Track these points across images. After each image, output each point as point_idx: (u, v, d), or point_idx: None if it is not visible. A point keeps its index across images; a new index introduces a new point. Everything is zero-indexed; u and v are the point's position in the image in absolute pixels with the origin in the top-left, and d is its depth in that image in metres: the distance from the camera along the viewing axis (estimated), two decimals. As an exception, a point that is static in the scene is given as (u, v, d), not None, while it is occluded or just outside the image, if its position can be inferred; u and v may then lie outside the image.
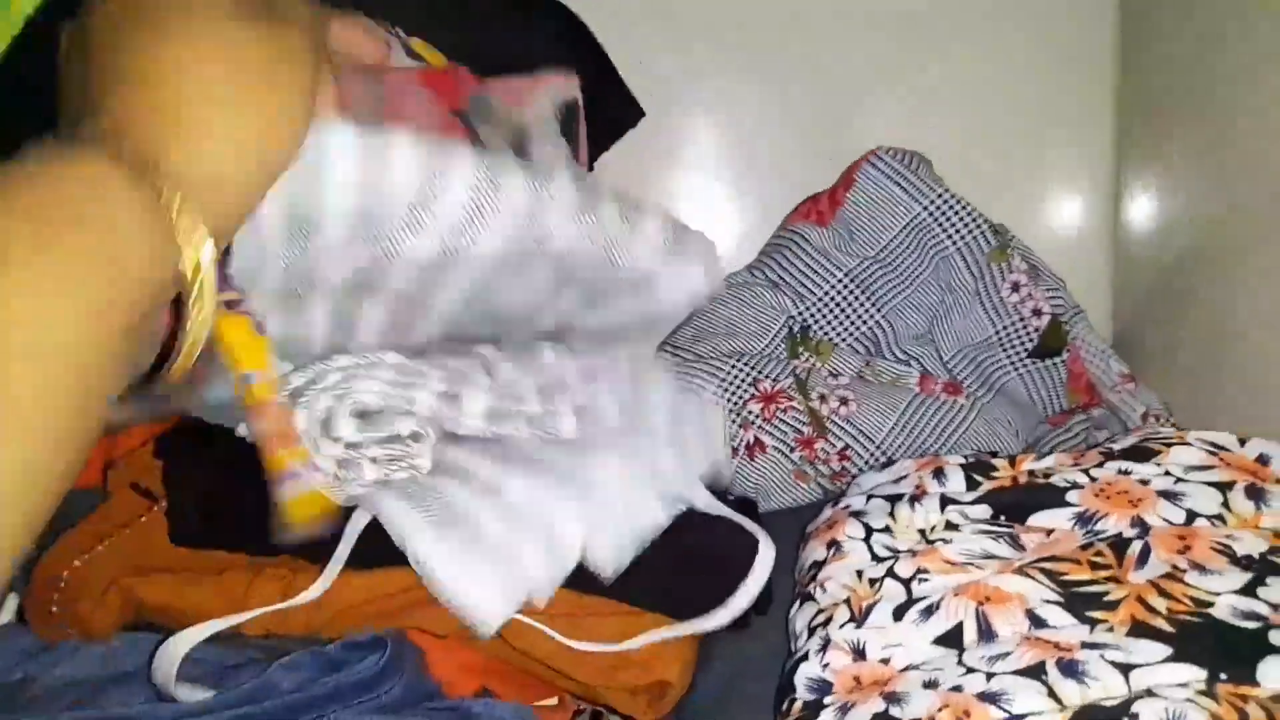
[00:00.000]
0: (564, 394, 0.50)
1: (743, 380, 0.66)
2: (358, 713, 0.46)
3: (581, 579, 0.47)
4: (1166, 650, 0.38)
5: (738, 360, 0.67)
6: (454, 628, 0.48)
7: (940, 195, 0.68)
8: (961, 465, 0.53)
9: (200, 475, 0.47)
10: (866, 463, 0.65)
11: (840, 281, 0.69)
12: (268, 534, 0.47)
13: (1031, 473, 0.52)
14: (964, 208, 0.68)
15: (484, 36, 0.52)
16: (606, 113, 0.60)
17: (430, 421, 0.46)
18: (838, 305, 0.69)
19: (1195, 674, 0.37)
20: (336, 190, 0.35)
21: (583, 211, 0.40)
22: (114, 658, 0.49)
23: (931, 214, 0.68)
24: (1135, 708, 0.36)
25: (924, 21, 0.77)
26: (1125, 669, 0.38)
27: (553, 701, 0.55)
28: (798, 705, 0.44)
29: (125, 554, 0.47)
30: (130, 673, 0.48)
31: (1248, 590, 0.40)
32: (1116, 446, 0.52)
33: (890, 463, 0.57)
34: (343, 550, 0.46)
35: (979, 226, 0.68)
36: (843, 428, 0.65)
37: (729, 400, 0.66)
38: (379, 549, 0.46)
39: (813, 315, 0.69)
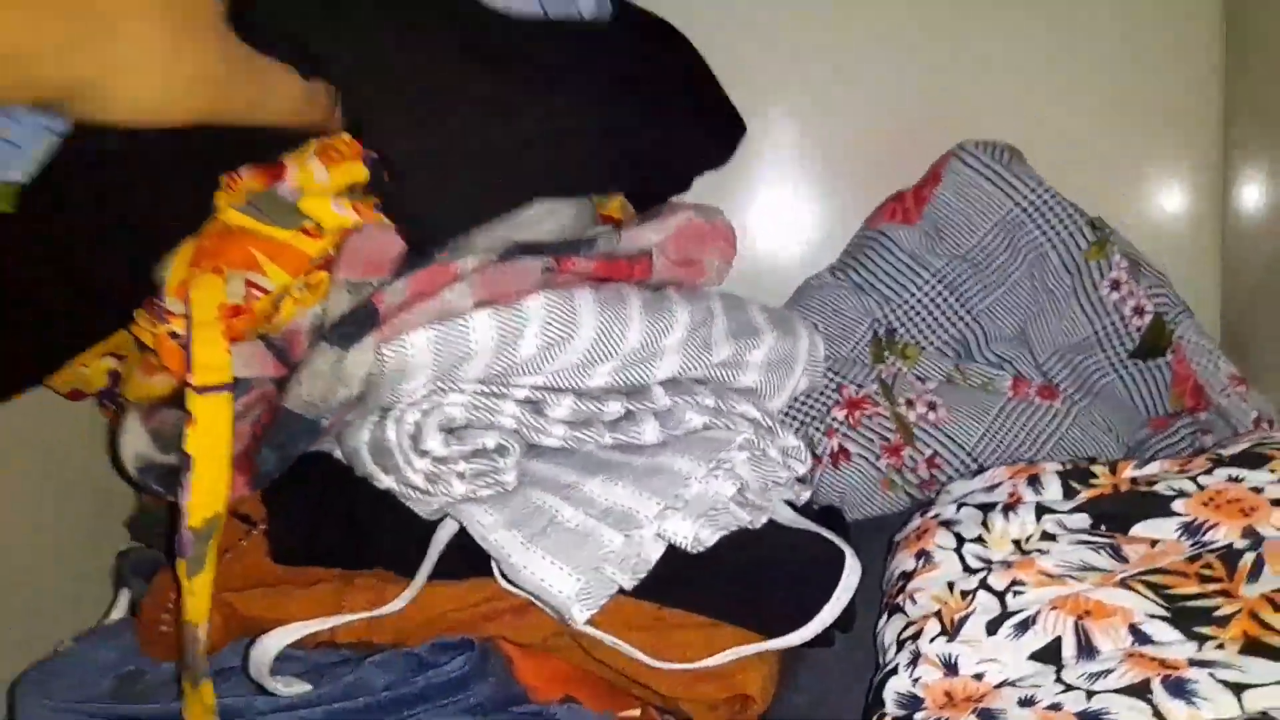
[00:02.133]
0: (646, 398, 0.50)
1: (826, 386, 0.65)
2: (446, 713, 0.47)
3: (664, 590, 0.47)
4: (1285, 670, 0.36)
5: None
6: (539, 637, 0.49)
7: (1034, 190, 0.65)
8: (1059, 472, 0.51)
9: (298, 496, 0.48)
10: (956, 470, 0.62)
11: (928, 283, 0.67)
12: (360, 549, 0.49)
13: (1134, 480, 0.49)
14: (1059, 202, 0.65)
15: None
16: (714, 131, 0.60)
17: (515, 435, 0.46)
18: (925, 308, 0.67)
19: (1318, 697, 0.35)
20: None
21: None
22: (216, 655, 0.51)
23: (1025, 210, 0.65)
24: (1252, 731, 0.34)
25: (1021, 8, 0.74)
26: (1238, 689, 0.36)
27: (635, 713, 0.55)
28: (886, 720, 0.43)
29: (228, 576, 0.49)
30: (232, 668, 0.50)
31: (1377, 608, 0.38)
32: (1226, 452, 0.49)
33: (981, 470, 0.55)
34: (429, 560, 0.47)
35: (1075, 222, 0.65)
36: (930, 434, 0.63)
37: (812, 407, 0.65)
38: (465, 560, 0.47)
39: (899, 318, 0.67)
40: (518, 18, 0.46)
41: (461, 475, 0.46)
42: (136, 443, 0.45)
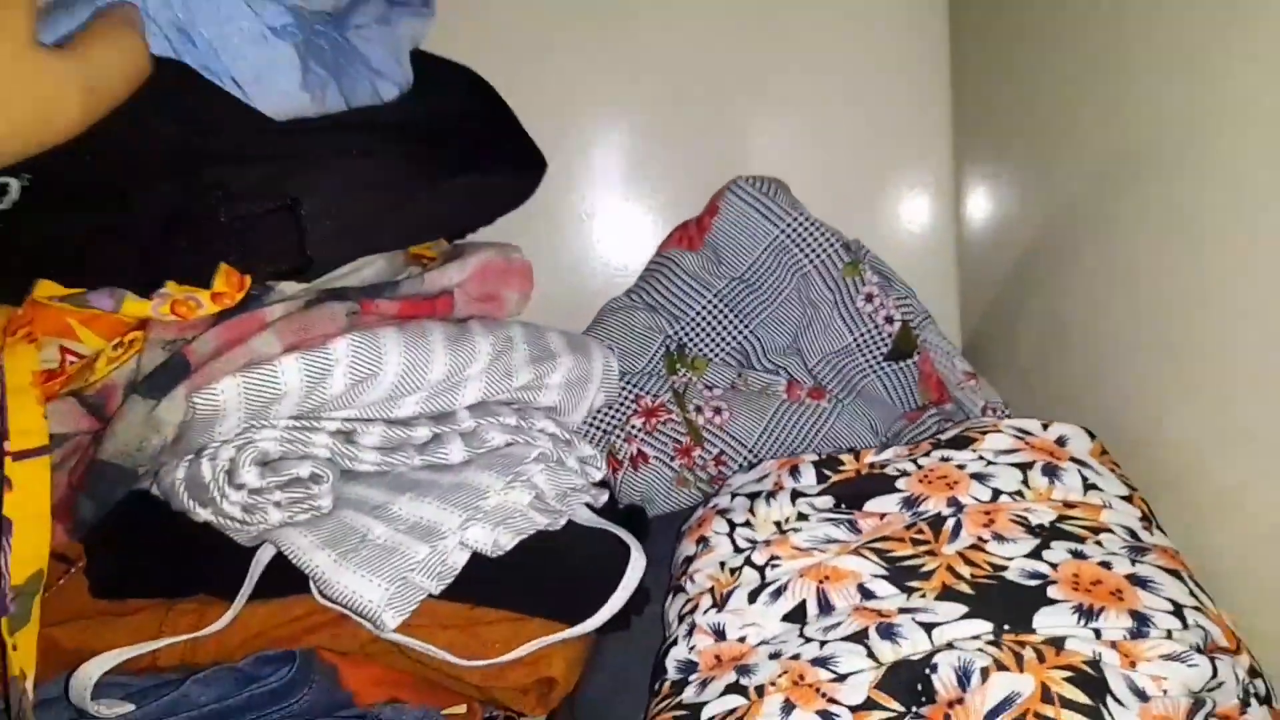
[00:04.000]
0: (452, 422, 0.56)
1: (626, 397, 0.72)
2: (272, 721, 0.50)
3: (473, 591, 0.52)
4: (963, 609, 0.45)
5: (620, 379, 0.73)
6: (357, 645, 0.53)
7: (795, 219, 0.75)
8: (814, 462, 0.60)
9: (113, 529, 0.50)
10: (740, 466, 0.71)
11: (710, 301, 0.75)
12: (179, 578, 0.52)
13: (872, 465, 0.58)
14: (817, 228, 0.75)
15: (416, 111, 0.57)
16: (519, 173, 0.66)
17: (329, 463, 0.51)
18: (709, 323, 0.75)
19: (984, 627, 0.44)
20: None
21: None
22: (40, 687, 0.52)
23: (789, 235, 0.75)
24: (935, 659, 0.42)
25: (769, 42, 0.83)
26: (929, 627, 0.44)
27: (461, 709, 0.60)
28: (667, 685, 0.49)
29: (49, 613, 0.50)
30: (56, 697, 0.51)
31: (1034, 554, 0.47)
32: (944, 437, 0.59)
33: (758, 464, 0.64)
34: (249, 582, 0.50)
35: (832, 245, 0.75)
36: (717, 435, 0.71)
37: (614, 417, 0.72)
38: (282, 579, 0.50)
39: (687, 334, 0.75)
40: (334, 115, 0.51)
41: (278, 504, 0.50)
42: (-51, 497, 0.47)
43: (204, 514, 0.50)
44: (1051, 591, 0.45)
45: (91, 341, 0.47)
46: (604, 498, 0.61)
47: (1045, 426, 0.57)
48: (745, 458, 0.71)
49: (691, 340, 0.75)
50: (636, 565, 0.54)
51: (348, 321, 0.51)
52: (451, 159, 0.56)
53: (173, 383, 0.45)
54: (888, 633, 0.45)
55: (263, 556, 0.51)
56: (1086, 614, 0.43)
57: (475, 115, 0.67)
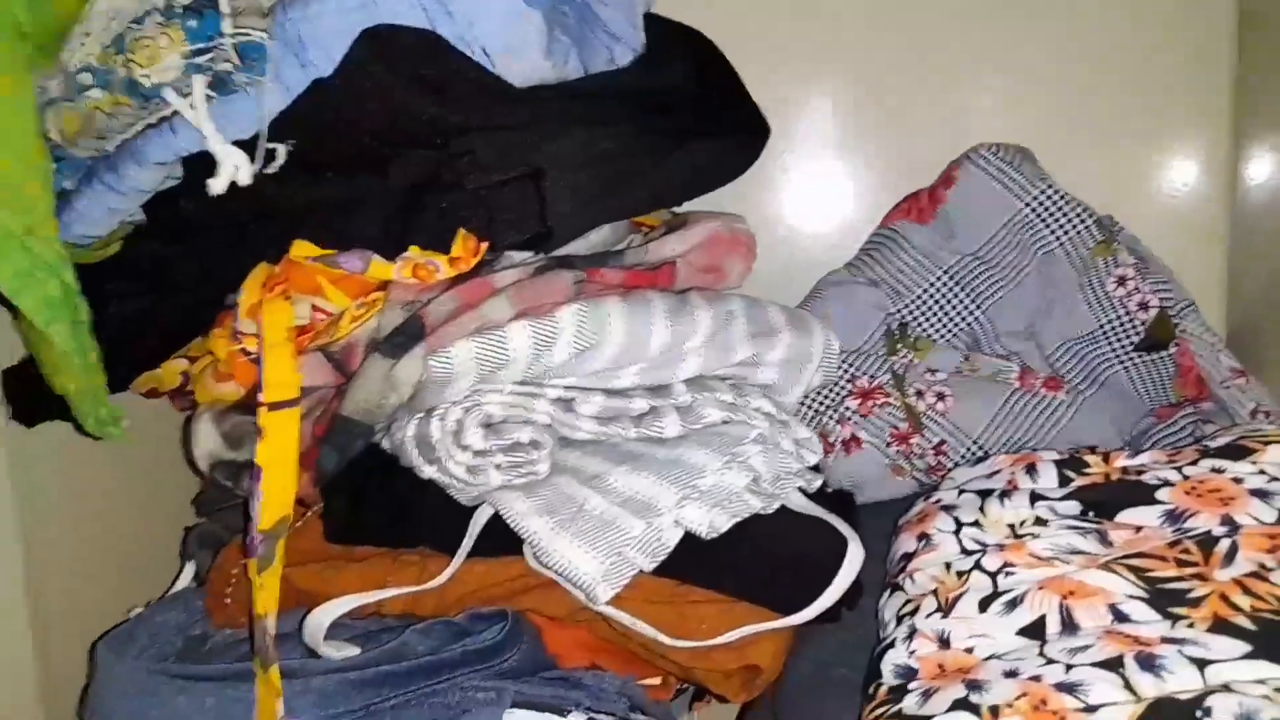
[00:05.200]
0: (668, 395, 0.55)
1: (841, 377, 0.69)
2: (481, 677, 0.52)
3: (683, 569, 0.51)
4: (1246, 647, 0.39)
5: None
6: (566, 611, 0.53)
7: (1043, 191, 0.68)
8: (1055, 461, 0.55)
9: (349, 482, 0.53)
10: (963, 457, 0.66)
11: (939, 279, 0.70)
12: (404, 530, 0.54)
13: (1124, 469, 0.53)
14: (1068, 202, 0.68)
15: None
16: (743, 141, 0.64)
17: (548, 429, 0.51)
18: (937, 302, 0.70)
19: (1272, 671, 0.38)
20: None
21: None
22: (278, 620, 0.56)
23: (1035, 210, 0.68)
24: (1209, 701, 0.37)
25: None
26: (1202, 664, 0.39)
27: (656, 681, 0.60)
28: (883, 689, 0.47)
29: (285, 555, 0.53)
30: (289, 633, 0.55)
31: (1334, 591, 0.41)
32: (1213, 444, 0.52)
33: (986, 458, 0.59)
34: (468, 541, 0.51)
35: (1083, 221, 0.68)
36: (939, 423, 0.67)
37: (827, 397, 0.69)
38: (499, 540, 0.51)
39: (911, 312, 0.71)
40: (570, 81, 0.50)
41: (499, 466, 0.51)
42: (208, 443, 0.51)
43: (430, 471, 0.51)
44: (1357, 638, 0.39)
45: (339, 300, 0.49)
46: (818, 482, 0.58)
47: (1344, 441, 0.49)
48: (969, 449, 0.66)
49: (915, 319, 0.71)
50: (854, 559, 0.51)
51: (574, 290, 0.51)
52: (682, 127, 0.54)
53: (410, 344, 0.46)
54: (1149, 664, 0.40)
55: (481, 517, 0.52)
56: (1404, 671, 0.37)
57: (704, 80, 0.65)
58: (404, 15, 0.45)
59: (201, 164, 0.46)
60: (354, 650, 0.52)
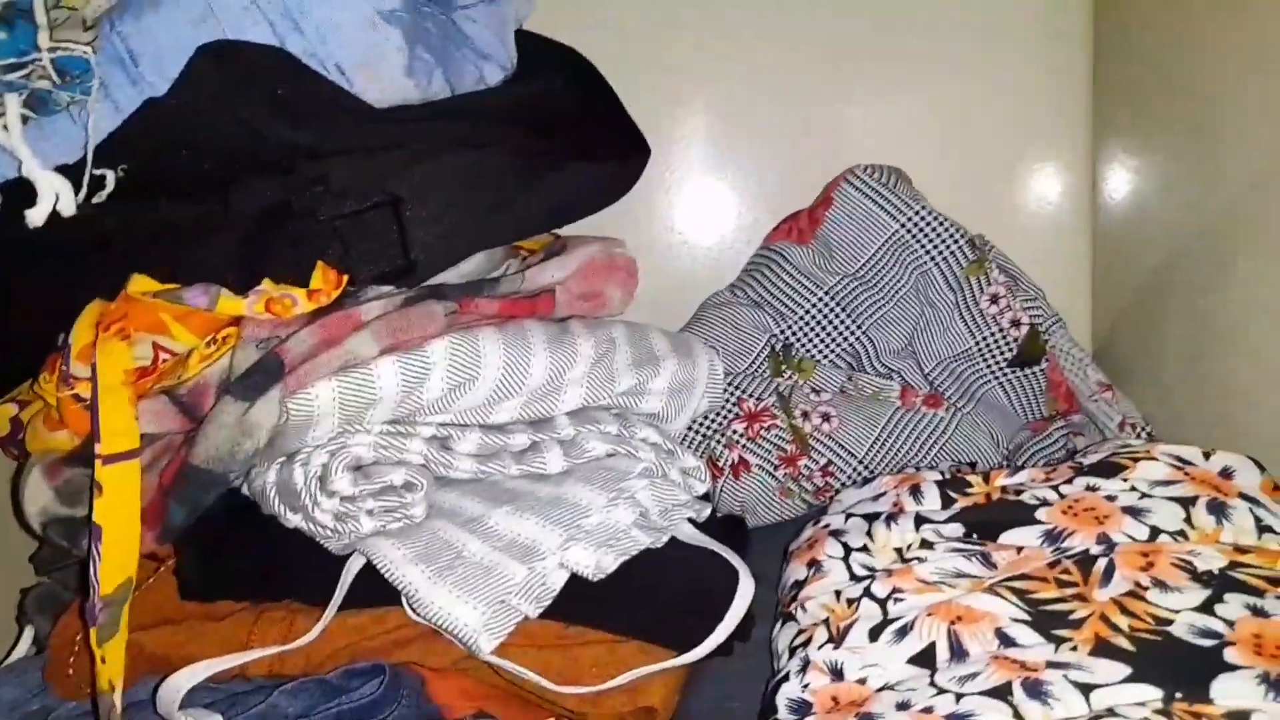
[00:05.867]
0: (550, 429, 0.52)
1: (727, 400, 0.68)
2: (361, 737, 0.48)
3: (567, 610, 0.49)
4: (1126, 670, 0.40)
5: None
6: (449, 661, 0.50)
7: (917, 212, 0.69)
8: (938, 482, 0.55)
9: (203, 532, 0.48)
10: (850, 478, 0.66)
11: (821, 299, 0.70)
12: (268, 584, 0.50)
13: (1004, 489, 0.53)
14: (941, 223, 0.69)
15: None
16: (624, 163, 0.62)
17: (423, 470, 0.48)
18: (819, 323, 0.70)
19: (1152, 693, 0.39)
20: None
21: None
22: (127, 691, 0.51)
23: (909, 230, 0.69)
24: (1095, 727, 0.37)
25: (893, 20, 0.77)
26: (1086, 689, 0.39)
27: (548, 723, 0.57)
28: (779, 727, 0.45)
29: (136, 614, 0.49)
30: (143, 701, 0.50)
31: (1205, 607, 0.42)
32: (1086, 461, 0.53)
33: (872, 478, 0.59)
34: (339, 593, 0.48)
35: (956, 241, 0.69)
36: (825, 444, 0.67)
37: (714, 420, 0.68)
38: (373, 590, 0.48)
39: (794, 333, 0.71)
40: (436, 100, 0.47)
41: (370, 512, 0.47)
42: (40, 498, 0.46)
43: (295, 520, 0.48)
44: (1229, 654, 0.39)
45: (185, 338, 0.45)
46: (706, 511, 0.57)
47: (1207, 455, 0.51)
48: (855, 469, 0.66)
49: (799, 340, 0.71)
50: (744, 592, 0.50)
51: (446, 321, 0.48)
52: (559, 149, 0.52)
53: (267, 385, 0.43)
54: (1036, 691, 0.40)
55: (353, 566, 0.49)
56: (1275, 685, 0.38)
57: (580, 100, 0.63)
58: (248, 30, 0.41)
59: (19, 191, 0.41)
60: (215, 718, 0.47)
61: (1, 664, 0.56)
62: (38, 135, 0.40)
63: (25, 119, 0.40)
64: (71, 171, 0.41)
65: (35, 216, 0.39)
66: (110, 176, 0.41)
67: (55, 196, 0.39)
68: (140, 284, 0.44)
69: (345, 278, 0.45)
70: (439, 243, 0.45)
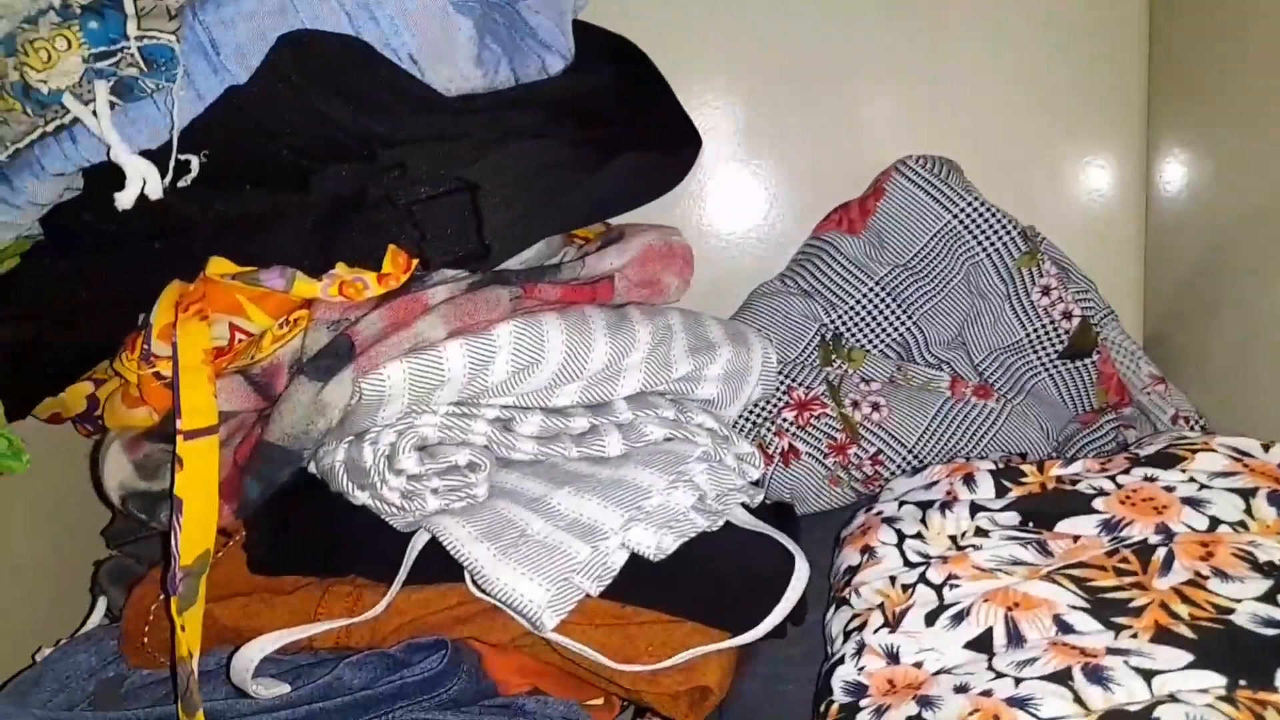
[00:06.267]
0: (609, 413, 0.53)
1: (777, 389, 0.69)
2: (421, 709, 0.50)
3: (626, 590, 0.50)
4: (1188, 657, 0.40)
5: (773, 370, 0.69)
6: (508, 638, 0.51)
7: (970, 203, 0.69)
8: (991, 471, 0.55)
9: (273, 508, 0.50)
10: (899, 467, 0.66)
11: (871, 290, 0.71)
12: (335, 559, 0.51)
13: (1059, 479, 0.53)
14: (994, 214, 0.69)
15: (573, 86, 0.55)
16: (674, 153, 0.62)
17: (486, 451, 0.49)
18: (869, 313, 0.71)
19: (1215, 680, 0.39)
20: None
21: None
22: (200, 660, 0.53)
23: (962, 221, 0.69)
24: (1157, 713, 0.38)
25: (945, 8, 0.77)
26: (1148, 675, 0.40)
27: (599, 701, 0.58)
28: (835, 708, 0.46)
29: (207, 588, 0.50)
30: (212, 671, 0.52)
31: (1268, 597, 0.42)
32: (1143, 452, 0.53)
33: (922, 467, 0.59)
34: (404, 569, 0.49)
35: (1009, 232, 0.69)
36: (875, 433, 0.67)
37: (764, 409, 0.68)
38: (437, 566, 0.49)
39: (845, 323, 0.71)
40: (502, 90, 0.48)
41: (435, 491, 0.49)
42: (120, 473, 0.47)
43: (362, 497, 0.49)
44: (1293, 644, 0.39)
45: (260, 320, 0.46)
46: (759, 497, 0.57)
47: (1266, 448, 0.51)
48: (905, 458, 0.67)
49: (849, 330, 0.71)
50: (800, 574, 0.50)
51: (510, 306, 0.49)
52: (617, 137, 0.53)
53: (339, 366, 0.44)
54: (1096, 676, 0.40)
55: (418, 543, 0.50)
56: (1339, 675, 0.38)
57: (634, 89, 0.63)
58: (325, 20, 0.42)
59: (106, 175, 0.42)
60: (284, 688, 0.49)
61: (77, 633, 0.58)
62: (124, 121, 0.42)
63: (112, 105, 0.41)
64: (155, 157, 0.42)
65: (124, 200, 0.41)
66: (195, 162, 0.42)
67: (142, 181, 0.41)
68: (219, 266, 0.45)
69: (415, 262, 0.46)
70: (511, 228, 0.46)
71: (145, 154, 0.43)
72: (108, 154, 0.42)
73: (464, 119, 0.46)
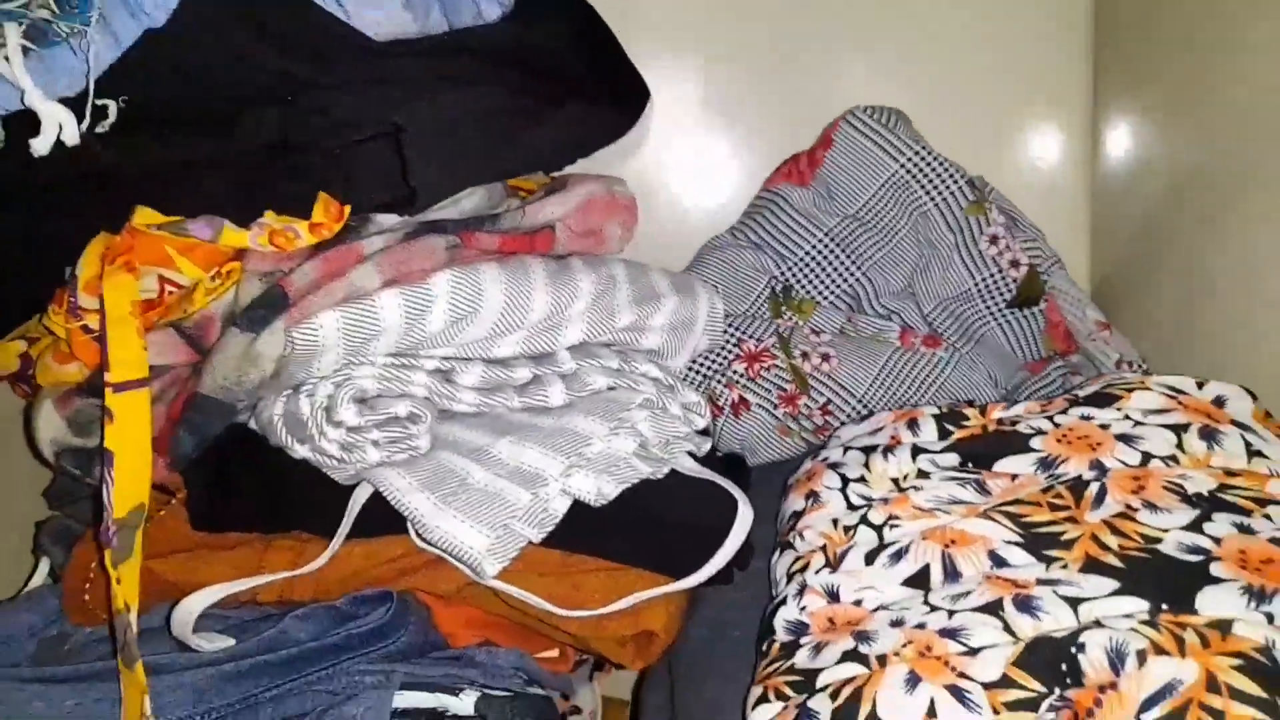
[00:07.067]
0: (552, 363, 0.53)
1: (727, 341, 0.69)
2: (369, 660, 0.50)
3: (571, 538, 0.50)
4: (1114, 584, 0.41)
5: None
6: (454, 588, 0.52)
7: (917, 152, 0.69)
8: (935, 415, 0.55)
9: (213, 463, 0.49)
10: (849, 416, 0.67)
11: (821, 240, 0.71)
12: (277, 514, 0.51)
13: (1000, 421, 0.54)
14: (941, 163, 0.69)
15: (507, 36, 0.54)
16: (622, 104, 0.62)
17: (426, 402, 0.49)
18: (819, 264, 0.71)
19: (1139, 605, 0.40)
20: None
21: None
22: (142, 616, 0.53)
23: (909, 171, 0.69)
24: (1083, 638, 0.38)
25: None
26: (1075, 602, 0.40)
27: (554, 653, 0.58)
28: (776, 646, 0.47)
29: (150, 544, 0.50)
30: (157, 628, 0.52)
31: (1194, 526, 0.43)
32: (1081, 393, 0.54)
33: (870, 415, 0.60)
34: (347, 521, 0.49)
35: (956, 182, 0.69)
36: (824, 383, 0.67)
37: (714, 361, 0.68)
38: (379, 519, 0.49)
39: (794, 274, 0.71)
40: (436, 35, 0.47)
41: (376, 443, 0.48)
42: (52, 429, 0.47)
43: (302, 450, 0.49)
44: (1215, 569, 0.40)
45: (190, 271, 0.46)
46: (707, 445, 0.58)
47: (1200, 385, 0.51)
48: (854, 408, 0.67)
49: (799, 281, 0.71)
50: (743, 519, 0.51)
51: (447, 255, 0.48)
52: (557, 88, 0.52)
53: (271, 316, 0.43)
54: (1026, 605, 0.41)
55: (360, 495, 0.50)
56: (1257, 596, 0.39)
57: (580, 41, 0.63)
58: (252, -37, 0.41)
59: (23, 123, 0.41)
60: (228, 641, 0.49)
61: (20, 593, 0.58)
62: (39, 66, 0.41)
63: (26, 50, 0.40)
64: (74, 104, 0.41)
65: (40, 146, 0.40)
66: (112, 107, 0.41)
67: (59, 126, 0.40)
68: (145, 216, 0.44)
69: (346, 211, 0.45)
70: (438, 172, 0.45)
71: (65, 101, 0.42)
72: (22, 100, 0.41)
73: (393, 63, 0.45)
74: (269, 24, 0.42)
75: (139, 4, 0.41)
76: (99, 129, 0.41)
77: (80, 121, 0.40)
